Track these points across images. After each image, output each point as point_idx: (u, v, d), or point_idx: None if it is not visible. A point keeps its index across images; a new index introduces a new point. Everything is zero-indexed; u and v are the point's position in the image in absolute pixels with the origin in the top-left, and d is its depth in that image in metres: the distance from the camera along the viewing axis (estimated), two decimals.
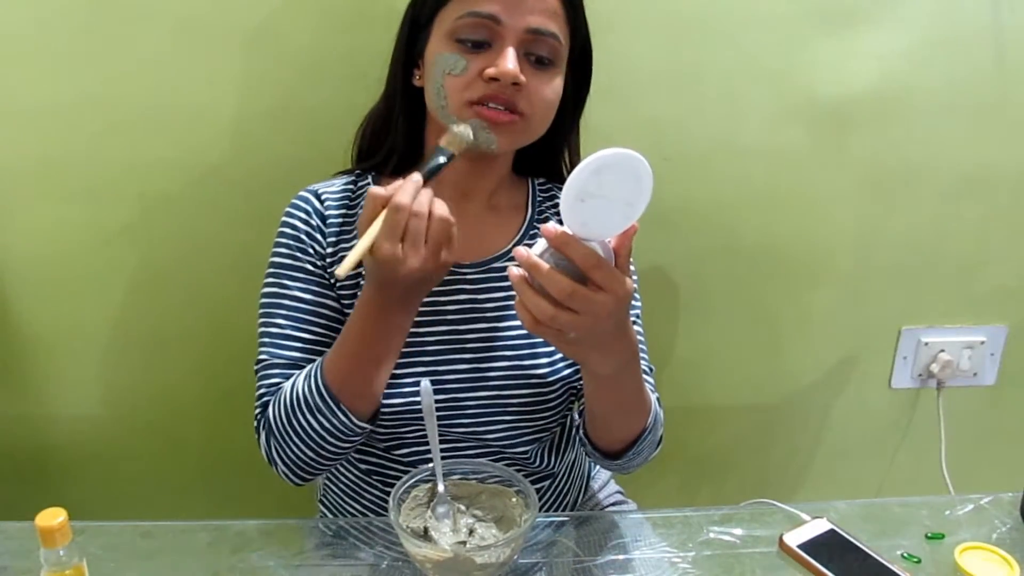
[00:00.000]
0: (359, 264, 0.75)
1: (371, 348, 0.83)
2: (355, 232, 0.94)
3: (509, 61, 0.83)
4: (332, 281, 0.93)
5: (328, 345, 0.91)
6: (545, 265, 0.67)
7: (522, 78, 0.84)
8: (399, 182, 0.76)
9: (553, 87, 0.89)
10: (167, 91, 1.19)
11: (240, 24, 1.17)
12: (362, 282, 0.92)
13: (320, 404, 0.83)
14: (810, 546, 0.84)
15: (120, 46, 1.16)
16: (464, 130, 0.84)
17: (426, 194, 0.76)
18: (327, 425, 0.84)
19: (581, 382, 0.97)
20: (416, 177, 0.77)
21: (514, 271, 0.69)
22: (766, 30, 1.25)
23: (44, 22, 1.14)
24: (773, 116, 1.30)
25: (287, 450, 0.87)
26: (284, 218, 0.94)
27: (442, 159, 0.82)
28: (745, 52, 1.26)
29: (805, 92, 1.29)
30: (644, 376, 0.94)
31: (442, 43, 0.86)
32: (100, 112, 1.19)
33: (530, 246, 0.68)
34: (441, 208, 0.77)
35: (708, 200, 1.34)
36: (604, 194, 0.64)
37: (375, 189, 0.76)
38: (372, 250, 0.75)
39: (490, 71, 0.83)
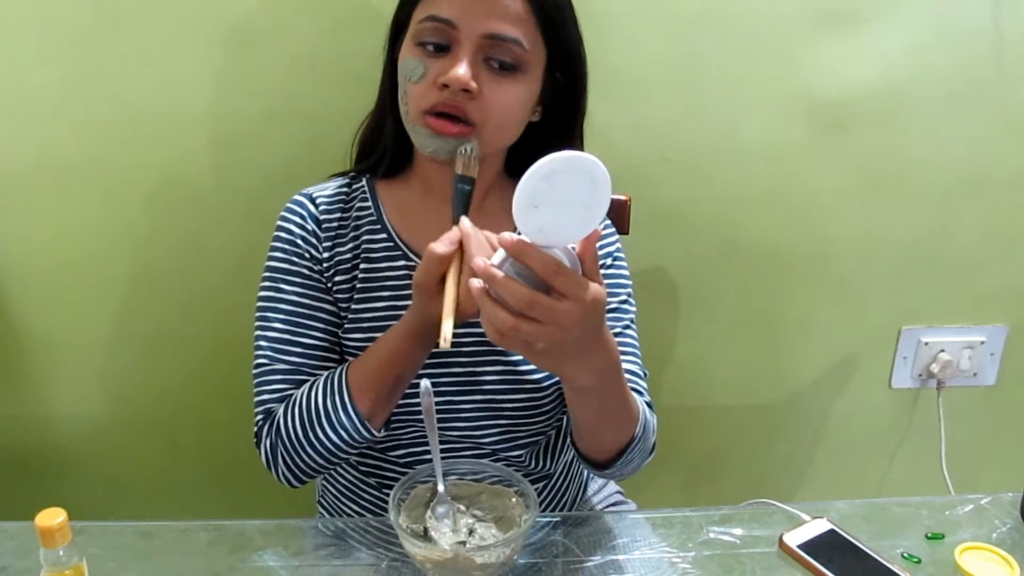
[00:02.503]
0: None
1: (408, 366, 0.85)
2: (351, 235, 0.94)
3: (460, 67, 0.81)
4: (329, 286, 0.93)
5: (327, 350, 0.92)
6: (500, 274, 0.64)
7: (472, 85, 0.81)
8: (454, 234, 0.75)
9: (514, 94, 0.85)
10: (167, 92, 1.19)
11: (241, 25, 1.17)
12: (358, 284, 0.92)
13: (344, 419, 0.84)
14: (810, 546, 0.84)
15: (120, 47, 1.16)
16: (469, 147, 0.83)
17: (485, 237, 0.75)
18: (346, 437, 0.85)
19: None
20: (467, 225, 0.76)
21: (474, 284, 0.66)
22: (766, 30, 1.25)
23: (44, 23, 1.14)
24: (773, 116, 1.30)
25: (298, 459, 0.88)
26: (279, 222, 0.94)
27: (467, 187, 0.81)
28: (745, 52, 1.26)
29: (805, 92, 1.29)
30: (636, 382, 0.93)
31: (408, 47, 0.86)
32: (99, 113, 1.19)
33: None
34: None
35: (708, 200, 1.34)
36: (559, 199, 0.62)
37: (436, 249, 0.74)
38: (460, 310, 0.73)
39: (440, 78, 0.82)
